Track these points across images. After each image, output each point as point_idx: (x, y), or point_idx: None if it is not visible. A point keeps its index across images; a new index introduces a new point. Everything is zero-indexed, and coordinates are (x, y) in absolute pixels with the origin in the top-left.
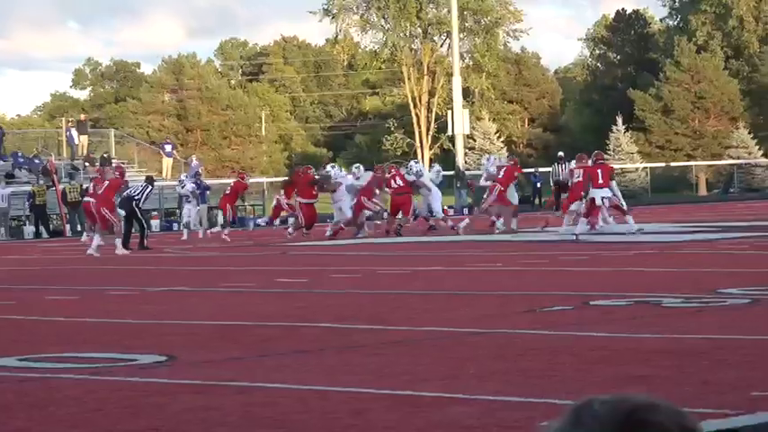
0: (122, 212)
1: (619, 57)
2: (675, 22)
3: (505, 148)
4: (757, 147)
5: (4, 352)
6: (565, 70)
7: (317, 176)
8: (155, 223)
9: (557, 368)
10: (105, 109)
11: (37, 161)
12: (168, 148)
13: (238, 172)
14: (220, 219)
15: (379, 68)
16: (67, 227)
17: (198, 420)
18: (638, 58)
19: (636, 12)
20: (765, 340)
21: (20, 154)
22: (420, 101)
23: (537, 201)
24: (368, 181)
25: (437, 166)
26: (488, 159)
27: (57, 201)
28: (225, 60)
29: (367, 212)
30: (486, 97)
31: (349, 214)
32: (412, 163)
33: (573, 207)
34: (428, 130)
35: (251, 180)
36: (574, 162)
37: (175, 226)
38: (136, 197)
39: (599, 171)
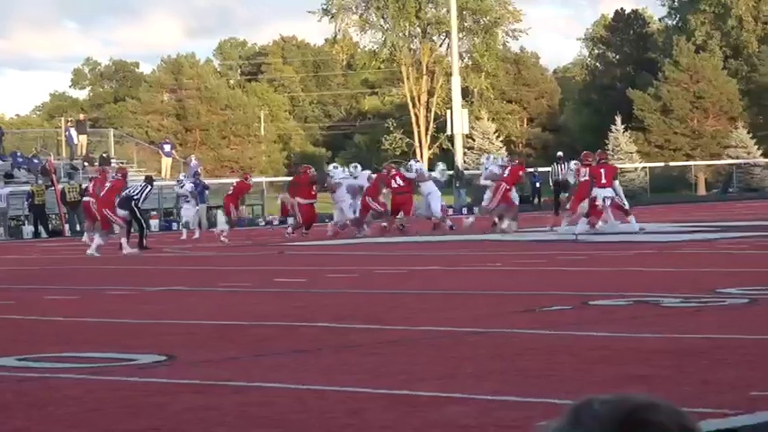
0: (122, 212)
1: (618, 56)
2: (674, 22)
3: (504, 148)
4: (756, 146)
5: (4, 352)
6: (564, 70)
7: (315, 176)
8: (154, 223)
9: (555, 368)
10: (104, 109)
11: (36, 161)
12: (167, 147)
13: (242, 173)
14: (220, 219)
15: (378, 68)
16: (66, 227)
17: (197, 420)
18: (637, 58)
19: (635, 11)
20: (765, 340)
21: (19, 154)
22: (419, 100)
23: (536, 200)
24: (372, 181)
25: (442, 165)
26: (487, 158)
27: (56, 200)
28: (224, 60)
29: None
30: (486, 97)
31: (349, 214)
32: (412, 162)
33: (584, 205)
34: (427, 129)
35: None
36: (573, 162)
37: (174, 226)
38: (135, 197)
39: (602, 171)
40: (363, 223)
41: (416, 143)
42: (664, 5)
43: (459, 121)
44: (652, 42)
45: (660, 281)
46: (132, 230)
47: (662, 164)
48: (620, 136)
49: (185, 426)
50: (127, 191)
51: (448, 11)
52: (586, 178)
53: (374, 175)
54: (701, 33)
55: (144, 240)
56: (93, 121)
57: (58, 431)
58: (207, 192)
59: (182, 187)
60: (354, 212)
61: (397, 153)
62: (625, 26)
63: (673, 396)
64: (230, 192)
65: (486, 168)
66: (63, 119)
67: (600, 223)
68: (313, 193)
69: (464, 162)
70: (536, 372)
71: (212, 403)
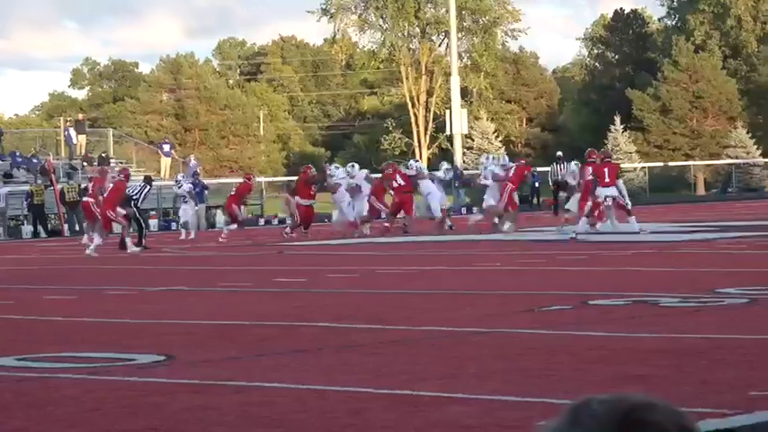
0: (122, 212)
1: (617, 56)
2: (673, 22)
3: (503, 148)
4: (755, 146)
5: (3, 351)
6: (563, 70)
7: (315, 176)
8: (153, 223)
9: (555, 367)
10: (103, 108)
11: (35, 161)
12: (166, 147)
13: (245, 173)
14: (219, 218)
15: (378, 68)
16: (65, 226)
17: (196, 420)
18: (637, 58)
19: (634, 11)
20: (764, 340)
21: (18, 153)
22: (418, 100)
23: (535, 200)
24: (377, 182)
25: (446, 164)
26: (487, 158)
27: (55, 200)
28: (223, 60)
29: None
30: (485, 97)
31: (349, 215)
32: (411, 162)
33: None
34: (426, 129)
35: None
36: (574, 163)
37: (173, 225)
38: (134, 197)
39: (605, 170)
40: (366, 223)
41: (415, 143)
42: (663, 5)
43: (459, 120)
44: (651, 42)
45: (659, 281)
46: (131, 230)
47: (661, 164)
48: (619, 136)
49: (184, 425)
50: (126, 191)
51: (447, 11)
52: (591, 177)
53: (372, 175)
54: (701, 33)
55: (143, 240)
56: (93, 120)
57: (57, 431)
58: (206, 192)
59: (180, 188)
60: (354, 211)
61: (396, 153)
62: (624, 26)
63: (671, 396)
64: (233, 192)
65: (486, 168)
66: (62, 119)
67: (599, 224)
68: (312, 193)
69: (463, 162)
70: (536, 371)
71: (211, 403)
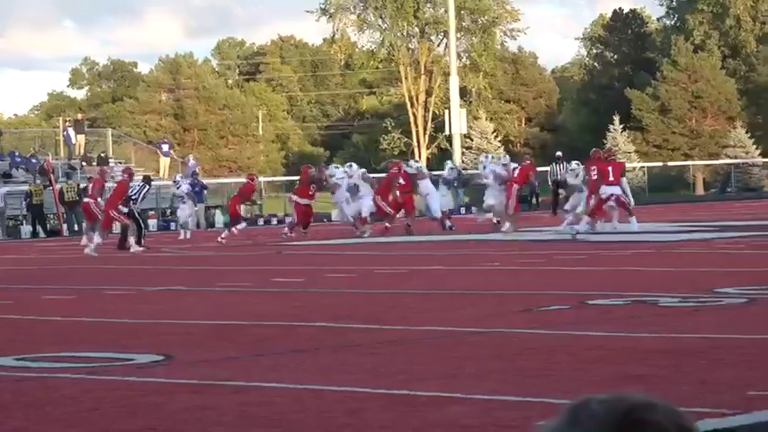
0: (125, 210)
1: (616, 56)
2: (672, 22)
3: (503, 148)
4: (754, 146)
5: (2, 351)
6: (562, 70)
7: (314, 176)
8: (152, 223)
9: (554, 367)
10: (102, 108)
11: (34, 161)
12: (165, 147)
13: (249, 173)
14: (218, 218)
15: (377, 68)
16: (64, 226)
17: (194, 420)
18: (636, 58)
19: (633, 11)
20: (763, 339)
21: (17, 153)
22: (417, 100)
23: (534, 200)
24: (383, 181)
25: (450, 163)
26: (486, 158)
27: (54, 200)
28: (222, 60)
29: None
30: (483, 96)
31: (349, 215)
32: (411, 162)
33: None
34: (425, 129)
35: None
36: (575, 162)
37: (173, 225)
38: (133, 197)
39: (610, 168)
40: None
41: (414, 143)
42: (662, 5)
43: (458, 120)
44: (650, 42)
45: (658, 280)
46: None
47: (660, 163)
48: (618, 136)
49: (182, 425)
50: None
51: (446, 10)
52: (596, 177)
53: (369, 175)
54: (700, 33)
55: (142, 240)
56: (92, 120)
57: (56, 431)
58: (205, 191)
59: (178, 188)
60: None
61: (396, 153)
62: (623, 26)
63: (670, 396)
64: (236, 193)
65: (485, 168)
66: (61, 118)
67: (598, 224)
68: (310, 192)
69: (462, 162)
70: (535, 371)
71: (210, 403)
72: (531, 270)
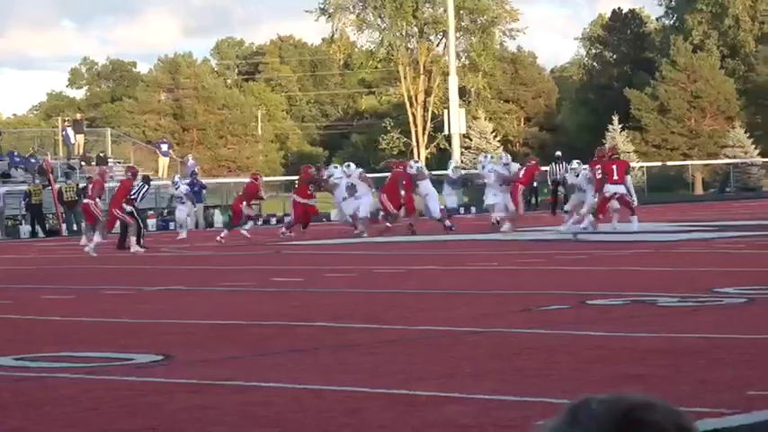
0: (128, 209)
1: (615, 56)
2: (671, 22)
3: (502, 148)
4: (753, 146)
5: (1, 351)
6: (561, 69)
7: (314, 176)
8: (151, 222)
9: (553, 367)
10: (101, 108)
11: (33, 160)
12: (164, 147)
13: (253, 173)
14: (217, 218)
15: (376, 68)
16: (63, 226)
17: (194, 419)
18: (635, 58)
19: (632, 11)
20: (762, 339)
21: (16, 153)
22: (416, 100)
23: (534, 200)
24: (390, 180)
25: (454, 162)
26: (486, 158)
27: (53, 200)
28: (221, 59)
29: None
30: (483, 96)
31: (347, 214)
32: (411, 162)
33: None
34: (424, 129)
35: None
36: (575, 162)
37: (171, 225)
38: (132, 196)
39: (614, 167)
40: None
41: (413, 143)
42: (661, 5)
43: (457, 120)
44: (649, 42)
45: (657, 280)
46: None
47: (659, 163)
48: (617, 135)
49: (182, 425)
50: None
51: (445, 10)
52: (600, 176)
53: (366, 174)
54: (699, 33)
55: (141, 240)
56: (90, 120)
57: (55, 431)
58: (204, 191)
59: (177, 189)
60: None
61: (395, 153)
62: (622, 26)
63: (670, 395)
64: (240, 193)
65: (484, 167)
66: (60, 118)
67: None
68: (309, 192)
69: (461, 161)
70: (534, 371)
71: (209, 403)
72: (530, 270)
